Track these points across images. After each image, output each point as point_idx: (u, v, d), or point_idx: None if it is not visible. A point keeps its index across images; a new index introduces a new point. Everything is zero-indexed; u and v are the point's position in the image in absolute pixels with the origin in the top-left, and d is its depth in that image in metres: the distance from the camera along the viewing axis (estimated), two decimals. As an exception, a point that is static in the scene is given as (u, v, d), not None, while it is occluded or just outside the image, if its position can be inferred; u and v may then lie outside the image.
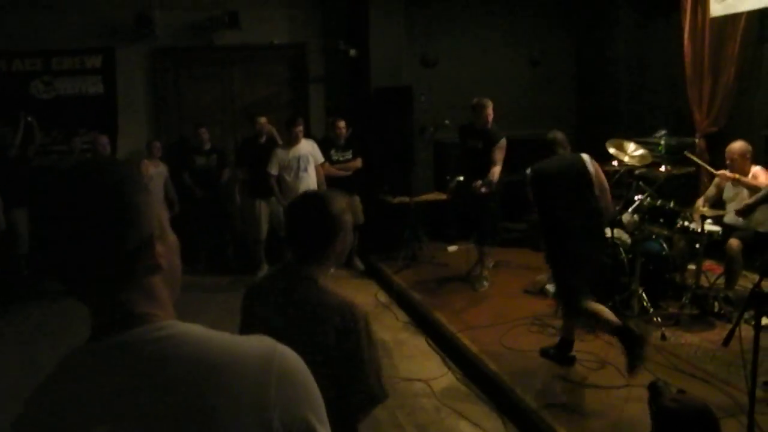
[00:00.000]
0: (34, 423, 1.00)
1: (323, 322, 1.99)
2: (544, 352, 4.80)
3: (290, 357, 1.04)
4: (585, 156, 4.64)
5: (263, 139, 7.63)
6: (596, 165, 4.64)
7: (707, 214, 5.32)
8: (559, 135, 4.76)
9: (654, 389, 2.96)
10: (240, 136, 8.61)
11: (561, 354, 4.70)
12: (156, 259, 1.05)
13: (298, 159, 7.02)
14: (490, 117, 6.46)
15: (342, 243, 2.12)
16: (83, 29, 8.20)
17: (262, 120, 7.65)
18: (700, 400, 2.68)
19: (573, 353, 4.71)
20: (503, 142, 6.29)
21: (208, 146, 8.04)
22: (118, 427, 0.94)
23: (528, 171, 4.67)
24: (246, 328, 2.14)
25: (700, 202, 5.81)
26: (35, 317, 6.55)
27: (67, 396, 0.99)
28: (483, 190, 6.22)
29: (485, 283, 6.63)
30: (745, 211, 5.33)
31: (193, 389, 0.95)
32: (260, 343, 1.04)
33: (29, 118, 7.30)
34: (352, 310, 2.02)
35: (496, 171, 6.23)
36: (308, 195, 2.35)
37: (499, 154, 6.28)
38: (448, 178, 7.98)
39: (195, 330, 1.03)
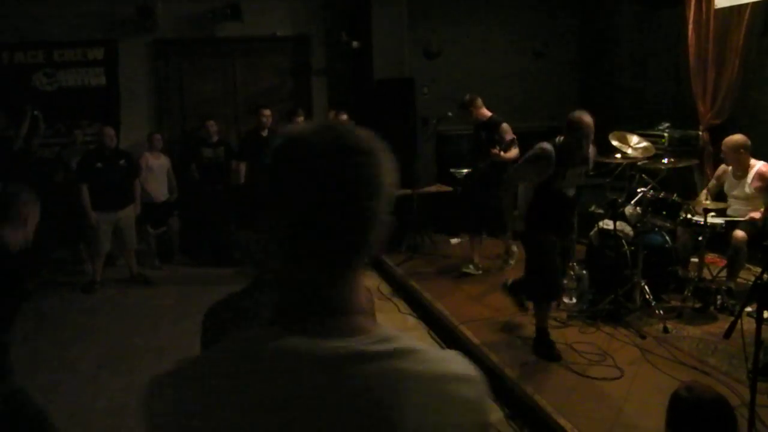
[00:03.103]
0: (181, 411, 0.89)
1: None
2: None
3: (484, 383, 1.00)
4: None
5: (265, 132, 7.62)
6: None
7: (710, 206, 5.30)
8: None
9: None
10: (243, 128, 8.60)
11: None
12: (376, 247, 0.97)
13: None
14: (481, 110, 6.61)
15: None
16: (85, 21, 8.19)
17: (267, 112, 7.64)
18: (713, 389, 2.67)
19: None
20: (505, 126, 6.45)
21: (215, 138, 8.03)
22: None
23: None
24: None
25: (703, 194, 5.79)
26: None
27: (247, 396, 0.88)
28: (497, 153, 6.27)
29: (477, 270, 6.72)
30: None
31: (420, 415, 0.89)
32: (464, 360, 1.00)
33: (36, 112, 7.29)
34: None
35: (513, 152, 6.34)
36: None
37: (508, 138, 6.43)
38: (451, 171, 7.99)
39: (414, 344, 0.95)
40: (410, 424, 0.87)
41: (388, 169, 0.98)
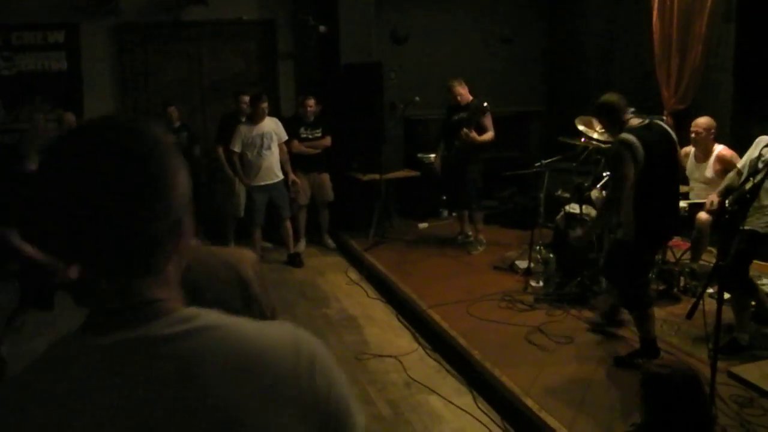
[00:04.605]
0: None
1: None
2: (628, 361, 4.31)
3: (313, 341, 0.96)
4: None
5: (243, 118, 7.51)
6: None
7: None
8: (616, 97, 4.29)
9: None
10: (209, 113, 8.49)
11: (649, 355, 4.21)
12: (182, 244, 0.93)
13: (262, 136, 6.92)
14: (462, 94, 6.88)
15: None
16: (45, 3, 7.96)
17: (246, 98, 7.51)
18: (686, 364, 2.74)
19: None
20: (486, 108, 6.73)
21: (177, 124, 7.91)
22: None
23: (628, 138, 4.01)
24: None
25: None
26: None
27: (59, 396, 0.86)
28: (473, 136, 6.65)
29: (480, 248, 6.96)
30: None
31: (224, 390, 0.86)
32: (283, 330, 0.96)
33: None
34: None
35: (489, 135, 6.72)
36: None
37: (487, 121, 6.75)
38: (419, 156, 8.03)
39: (219, 320, 0.92)
40: (213, 402, 0.85)
41: (160, 166, 0.89)
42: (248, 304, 1.92)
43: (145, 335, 0.87)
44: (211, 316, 0.92)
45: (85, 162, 0.85)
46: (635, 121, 4.18)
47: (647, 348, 4.23)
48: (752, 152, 4.73)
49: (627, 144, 3.96)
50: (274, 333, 0.94)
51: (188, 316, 0.91)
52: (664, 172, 4.16)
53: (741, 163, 4.98)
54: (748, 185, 3.85)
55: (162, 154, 0.89)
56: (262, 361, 0.89)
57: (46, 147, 0.90)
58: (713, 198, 5.08)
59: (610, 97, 4.27)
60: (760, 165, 4.27)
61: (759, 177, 3.88)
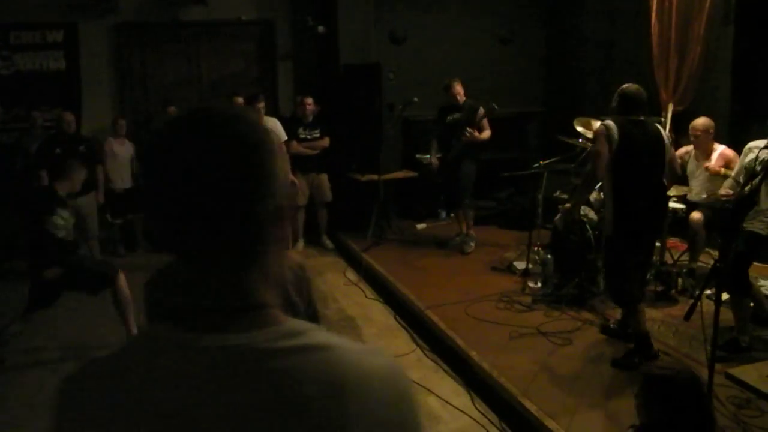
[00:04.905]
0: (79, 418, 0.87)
1: None
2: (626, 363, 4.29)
3: (405, 375, 0.94)
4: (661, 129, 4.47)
5: None
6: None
7: (671, 192, 5.39)
8: (635, 90, 4.38)
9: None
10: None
11: (644, 351, 4.27)
12: (284, 232, 0.93)
13: None
14: (461, 93, 6.92)
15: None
16: (44, 2, 7.96)
17: (240, 100, 7.52)
18: (687, 367, 2.74)
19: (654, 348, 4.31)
20: (482, 110, 6.76)
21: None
22: None
23: (607, 122, 4.28)
24: None
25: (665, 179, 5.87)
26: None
27: (145, 387, 0.85)
28: (469, 134, 6.71)
29: (472, 244, 6.99)
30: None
31: (322, 418, 0.83)
32: (385, 360, 0.92)
33: None
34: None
35: (487, 133, 6.81)
36: None
37: (484, 120, 6.82)
38: (417, 156, 8.04)
39: (326, 341, 0.89)
40: (316, 422, 0.82)
41: (268, 152, 0.91)
42: (308, 303, 1.99)
43: (249, 345, 0.85)
44: (318, 336, 0.90)
45: (201, 148, 0.86)
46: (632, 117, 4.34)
47: (641, 344, 4.25)
48: (743, 159, 4.76)
49: (605, 126, 4.26)
50: (377, 362, 0.91)
51: (295, 330, 0.89)
52: (646, 171, 4.27)
53: (735, 171, 5.00)
54: (747, 189, 3.87)
55: (268, 141, 0.92)
56: (363, 391, 0.86)
57: (152, 134, 0.92)
58: (725, 191, 5.09)
59: (631, 86, 4.40)
60: (758, 168, 4.27)
61: (757, 180, 3.89)
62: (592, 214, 5.64)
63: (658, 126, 4.45)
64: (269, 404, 0.82)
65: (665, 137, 4.39)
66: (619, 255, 4.36)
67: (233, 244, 0.88)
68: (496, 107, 6.69)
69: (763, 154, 4.18)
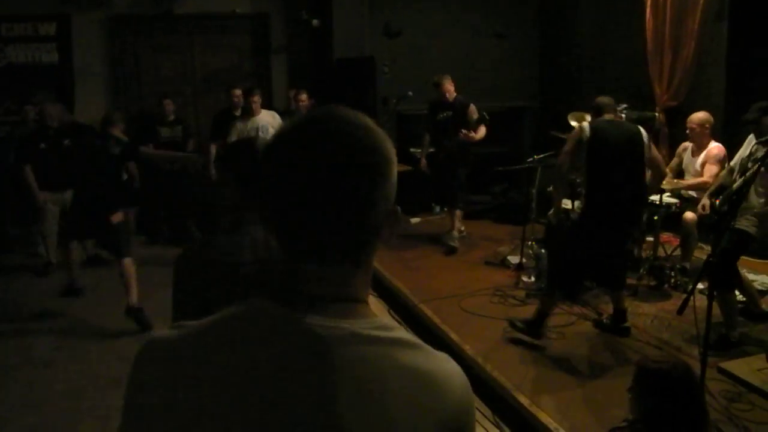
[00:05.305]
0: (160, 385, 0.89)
1: None
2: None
3: (466, 379, 1.00)
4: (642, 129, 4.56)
5: (238, 112, 7.47)
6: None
7: (665, 187, 5.40)
8: (607, 99, 4.68)
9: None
10: (201, 106, 8.45)
11: (534, 329, 4.54)
12: (390, 235, 0.97)
13: (257, 129, 6.89)
14: (451, 90, 6.85)
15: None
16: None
17: (238, 92, 7.48)
18: (681, 360, 2.75)
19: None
20: (473, 107, 6.73)
21: (172, 117, 7.86)
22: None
23: (583, 124, 4.63)
24: None
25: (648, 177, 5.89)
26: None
27: (248, 358, 0.87)
28: (465, 133, 6.61)
29: (455, 236, 6.89)
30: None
31: (406, 404, 0.88)
32: (454, 365, 0.98)
33: None
34: None
35: (482, 132, 6.68)
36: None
37: (475, 117, 6.71)
38: (411, 150, 8.03)
39: (412, 338, 0.95)
40: (392, 414, 0.87)
41: (386, 158, 0.95)
42: None
43: (349, 329, 0.89)
44: (407, 334, 0.95)
45: (324, 150, 0.89)
46: (608, 116, 4.55)
47: (536, 322, 4.52)
48: (743, 151, 4.76)
49: (580, 126, 4.56)
50: (457, 369, 0.98)
51: (388, 325, 0.94)
52: (617, 166, 4.37)
53: (733, 161, 5.01)
54: (737, 184, 3.90)
55: (386, 146, 0.96)
56: (445, 391, 0.93)
57: (274, 135, 0.95)
58: (704, 202, 5.25)
59: (601, 98, 4.68)
60: (750, 164, 4.29)
61: (748, 174, 3.91)
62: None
63: (639, 127, 4.55)
64: (359, 385, 0.86)
65: (644, 137, 4.46)
66: (576, 238, 4.57)
67: (349, 243, 0.93)
68: (486, 117, 6.64)
69: (758, 152, 4.20)
